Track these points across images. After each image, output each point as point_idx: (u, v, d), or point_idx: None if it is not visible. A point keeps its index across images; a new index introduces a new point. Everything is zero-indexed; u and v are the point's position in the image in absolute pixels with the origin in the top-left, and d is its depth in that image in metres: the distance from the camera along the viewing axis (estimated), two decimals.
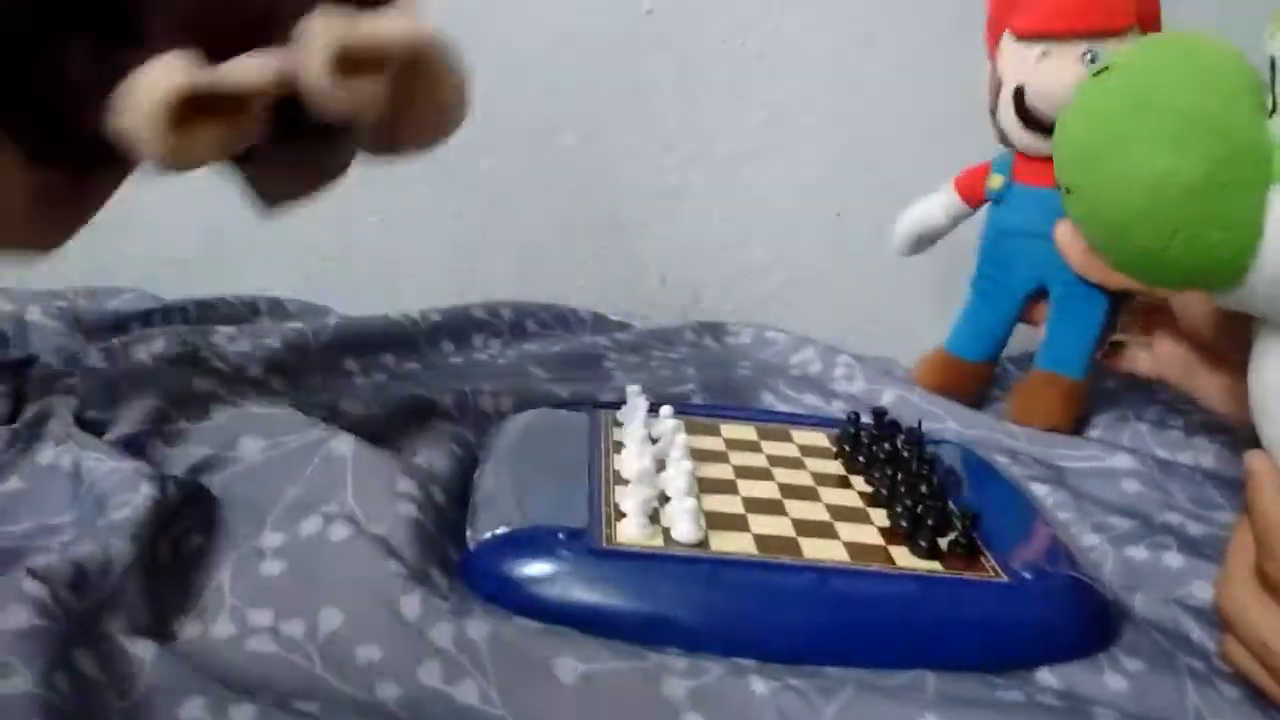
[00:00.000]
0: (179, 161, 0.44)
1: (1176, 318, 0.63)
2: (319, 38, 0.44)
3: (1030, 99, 0.72)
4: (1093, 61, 0.70)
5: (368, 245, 0.99)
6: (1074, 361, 0.75)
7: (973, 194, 0.79)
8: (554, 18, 0.96)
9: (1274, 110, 0.40)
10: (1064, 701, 0.47)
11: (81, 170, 0.48)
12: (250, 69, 0.43)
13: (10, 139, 0.45)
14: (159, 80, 0.42)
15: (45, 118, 0.45)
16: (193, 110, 0.42)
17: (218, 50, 0.44)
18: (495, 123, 0.97)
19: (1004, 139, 0.77)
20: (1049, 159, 0.70)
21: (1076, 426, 0.76)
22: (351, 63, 0.44)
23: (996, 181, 0.77)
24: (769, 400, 0.77)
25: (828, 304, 1.05)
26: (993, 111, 0.76)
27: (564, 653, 0.45)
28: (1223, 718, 0.47)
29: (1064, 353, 0.75)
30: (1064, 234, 0.69)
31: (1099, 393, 0.81)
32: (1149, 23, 0.72)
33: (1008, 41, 0.73)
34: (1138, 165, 0.41)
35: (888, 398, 0.77)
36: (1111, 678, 0.49)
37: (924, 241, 0.82)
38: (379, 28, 0.45)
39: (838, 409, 0.75)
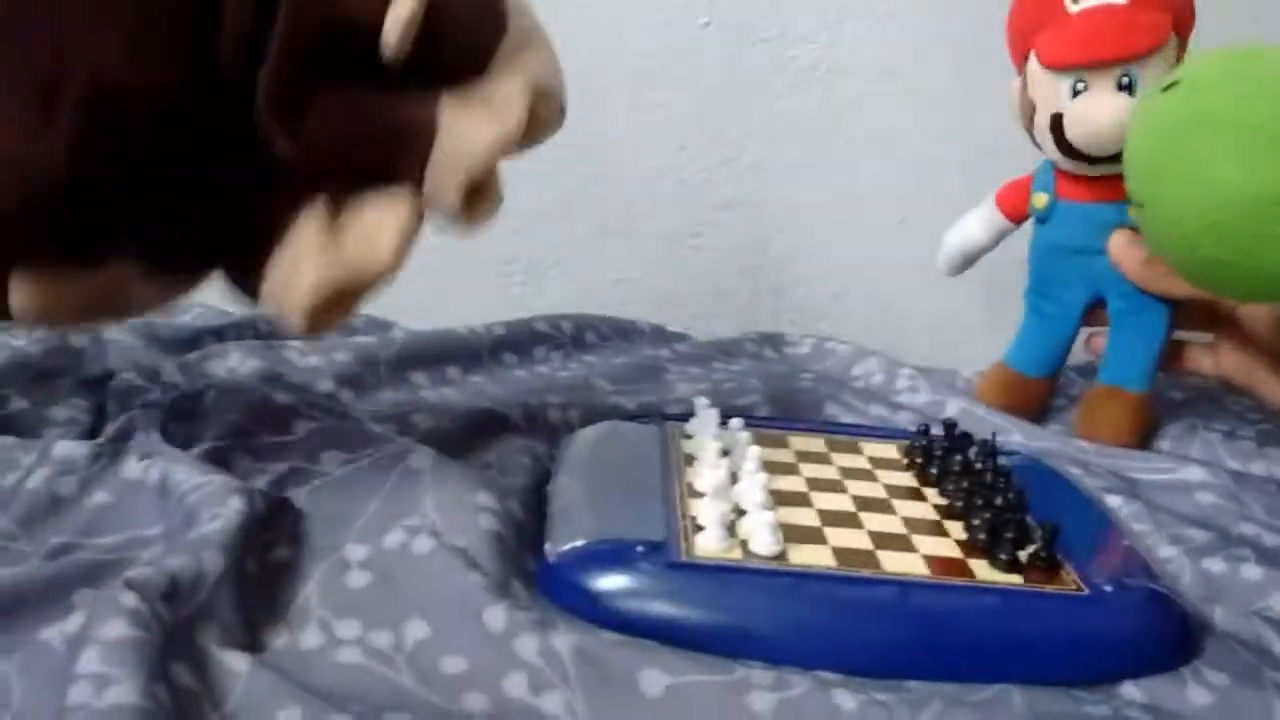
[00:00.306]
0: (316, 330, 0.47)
1: (1239, 321, 0.63)
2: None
3: (1069, 132, 0.70)
4: (1129, 85, 0.68)
5: (424, 260, 1.00)
6: (1136, 375, 0.74)
7: (1015, 210, 0.78)
8: (609, 27, 0.96)
9: None
10: (1150, 715, 0.46)
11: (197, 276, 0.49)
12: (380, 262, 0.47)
13: (140, 261, 0.47)
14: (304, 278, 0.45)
15: (179, 249, 0.47)
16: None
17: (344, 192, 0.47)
18: (556, 136, 0.98)
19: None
20: (1093, 177, 0.70)
21: (1145, 439, 0.75)
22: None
23: (1041, 200, 0.76)
24: (833, 411, 0.77)
25: (887, 313, 1.05)
26: (1028, 129, 0.75)
27: (648, 665, 0.45)
28: None
29: (1126, 366, 0.74)
30: (1118, 247, 0.69)
31: (1167, 403, 0.81)
32: (1184, 27, 0.69)
33: (1036, 65, 0.71)
34: (1207, 179, 0.41)
35: (952, 410, 0.76)
36: (1196, 691, 0.48)
37: (969, 259, 0.82)
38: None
39: (904, 420, 0.75)
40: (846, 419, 0.76)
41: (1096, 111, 0.68)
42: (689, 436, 0.64)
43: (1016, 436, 0.73)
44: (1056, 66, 0.70)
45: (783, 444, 0.65)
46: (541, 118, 0.50)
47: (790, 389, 0.79)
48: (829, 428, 0.70)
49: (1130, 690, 0.49)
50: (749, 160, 1.00)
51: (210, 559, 0.47)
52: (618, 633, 0.47)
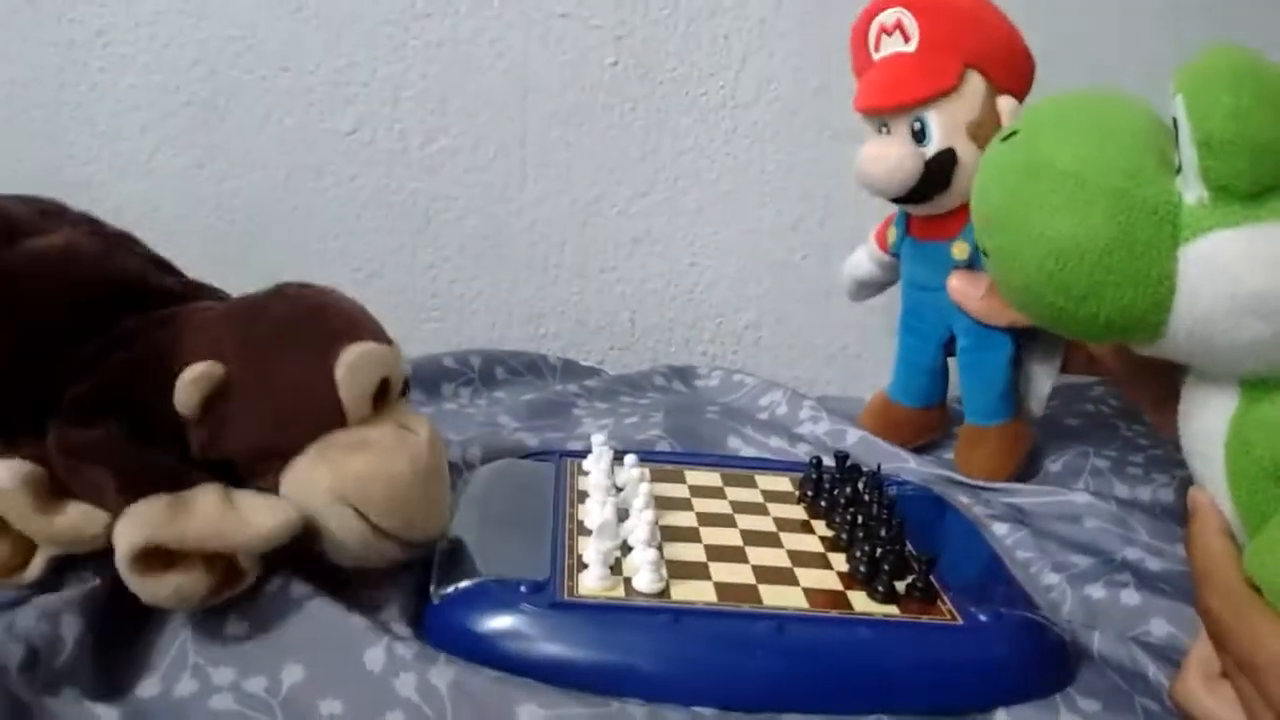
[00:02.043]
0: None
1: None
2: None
3: (858, 171, 0.72)
4: (921, 130, 0.70)
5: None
6: (992, 409, 0.74)
7: (883, 240, 0.80)
8: (521, 70, 0.97)
9: (1180, 168, 0.41)
10: None
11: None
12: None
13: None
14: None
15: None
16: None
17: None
18: (464, 175, 0.99)
19: None
20: (932, 215, 0.73)
21: (1021, 466, 0.76)
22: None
23: (893, 235, 0.78)
24: (735, 444, 0.78)
25: (796, 345, 1.06)
26: None
27: (526, 700, 0.46)
28: None
29: (980, 402, 0.75)
30: (956, 287, 0.71)
31: (1061, 430, 0.83)
32: (993, 66, 0.70)
33: None
34: (1041, 231, 0.42)
35: (851, 439, 0.78)
36: (1068, 718, 0.50)
37: (864, 288, 0.84)
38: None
39: (803, 452, 0.76)
40: (747, 451, 0.77)
41: (869, 154, 0.72)
42: (585, 473, 0.64)
43: (912, 464, 0.75)
44: (856, 110, 0.73)
45: (679, 479, 0.66)
46: (341, 520, 0.51)
47: (694, 423, 0.80)
48: (726, 461, 0.71)
49: (1002, 718, 0.50)
50: (660, 195, 1.01)
51: (69, 623, 0.47)
52: (500, 671, 0.48)
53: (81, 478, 0.51)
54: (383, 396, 0.54)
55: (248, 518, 0.49)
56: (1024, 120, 0.45)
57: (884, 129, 0.72)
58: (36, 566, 0.51)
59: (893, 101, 0.70)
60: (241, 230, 0.98)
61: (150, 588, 0.47)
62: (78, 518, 0.50)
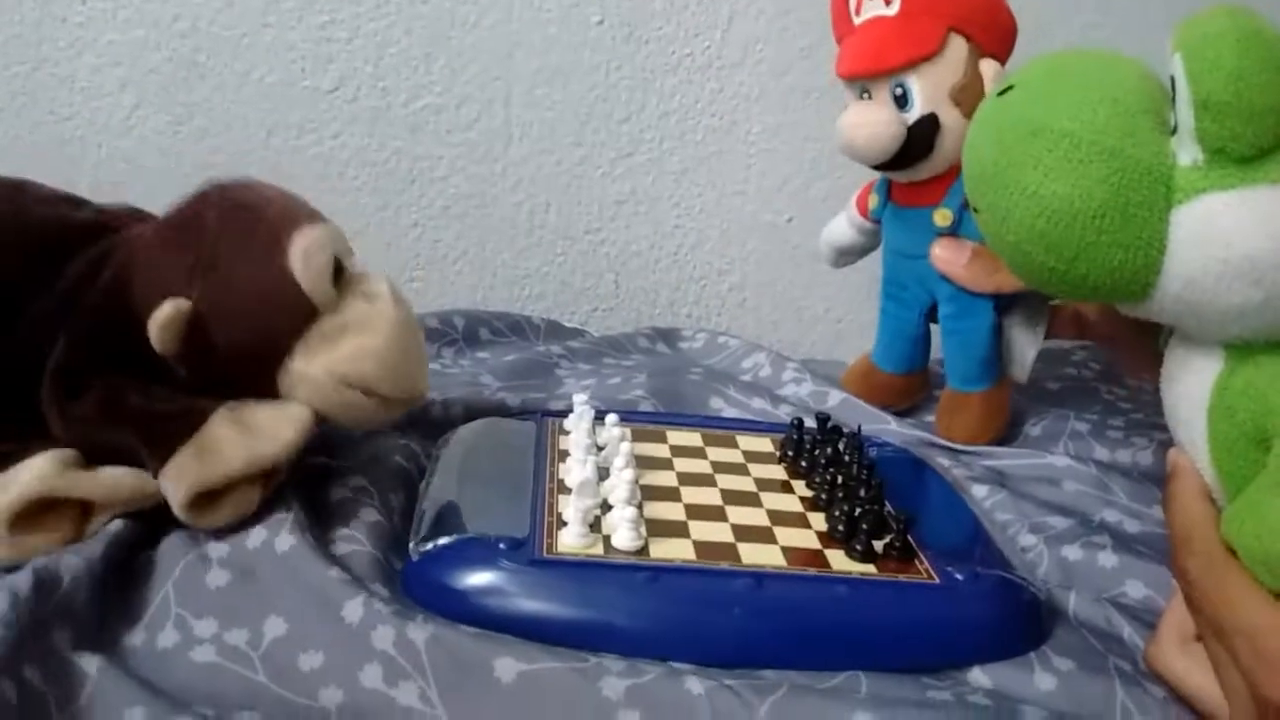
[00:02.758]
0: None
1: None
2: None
3: (839, 138, 0.71)
4: (903, 95, 0.69)
5: None
6: (974, 375, 0.74)
7: (864, 207, 0.79)
8: (506, 28, 0.96)
9: (1175, 129, 0.41)
10: (993, 700, 0.48)
11: None
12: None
13: None
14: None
15: None
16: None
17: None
18: (448, 134, 0.98)
19: None
20: (915, 182, 0.72)
21: (1000, 433, 0.76)
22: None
23: (874, 202, 0.77)
24: (718, 405, 0.78)
25: (781, 307, 1.06)
26: None
27: (503, 654, 0.46)
28: (1150, 716, 0.48)
29: (962, 368, 0.74)
30: (940, 254, 0.71)
31: (1041, 394, 0.83)
32: (977, 30, 0.69)
33: None
34: (1035, 190, 0.42)
35: (834, 401, 0.78)
36: (1042, 677, 0.50)
37: (844, 255, 0.83)
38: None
39: (785, 413, 0.76)
40: (730, 413, 0.77)
41: (850, 119, 0.70)
42: (567, 433, 0.64)
43: (893, 425, 0.75)
44: (838, 75, 0.72)
45: (660, 439, 0.66)
46: (348, 402, 0.55)
47: (676, 384, 0.80)
48: (707, 421, 0.71)
49: (978, 676, 0.50)
50: (645, 156, 1.01)
51: (67, 561, 0.47)
52: (479, 628, 0.48)
53: (106, 444, 0.52)
54: (339, 274, 0.56)
55: (270, 434, 0.52)
56: (1019, 77, 0.45)
57: (865, 94, 0.71)
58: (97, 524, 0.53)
59: (874, 67, 0.69)
60: None
61: (210, 521, 0.51)
62: (132, 477, 0.52)
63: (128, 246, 0.56)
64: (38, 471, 0.50)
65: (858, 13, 0.71)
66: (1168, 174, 0.41)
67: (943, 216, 0.71)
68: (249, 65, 0.94)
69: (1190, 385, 0.45)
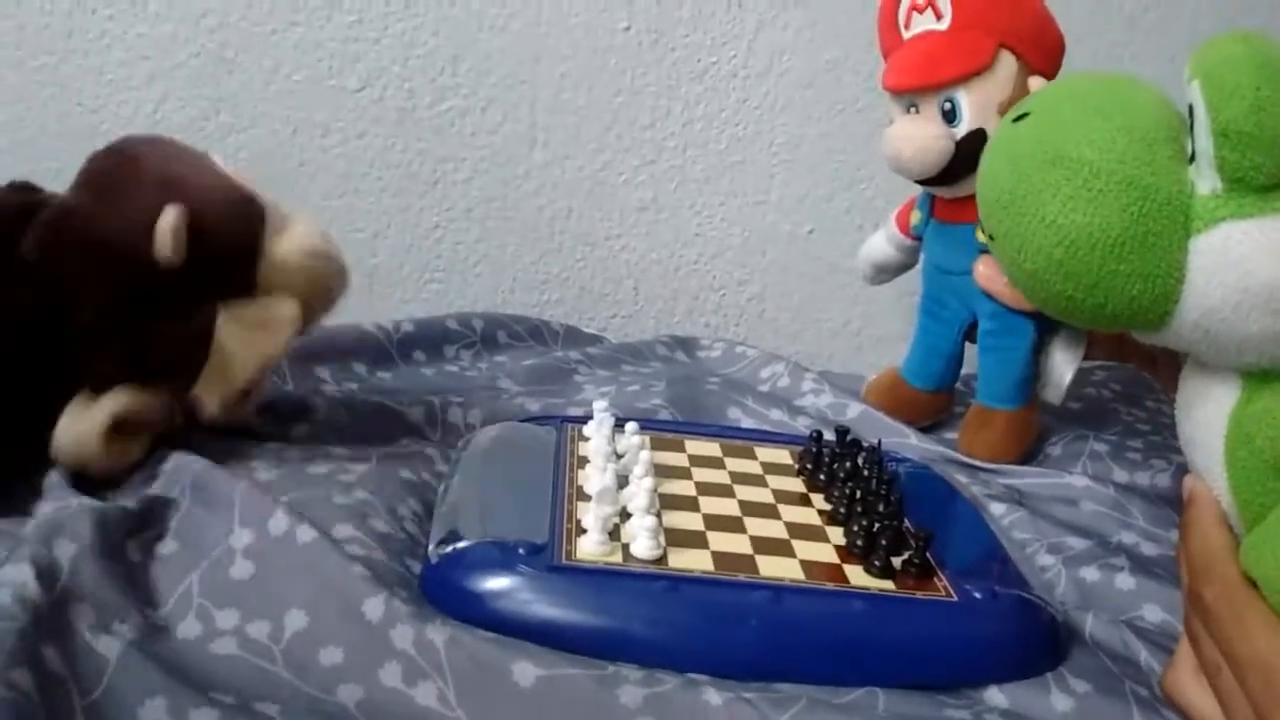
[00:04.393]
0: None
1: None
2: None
3: (886, 150, 0.71)
4: (951, 110, 0.69)
5: (347, 257, 1.00)
6: (1008, 393, 0.74)
7: (905, 224, 0.79)
8: (531, 32, 0.97)
9: (1193, 157, 0.40)
10: None
11: None
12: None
13: None
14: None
15: None
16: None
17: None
18: (472, 137, 0.98)
19: None
20: (960, 198, 0.72)
21: (1025, 453, 0.76)
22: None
23: (917, 218, 0.77)
24: (736, 415, 0.78)
25: (800, 318, 1.06)
26: None
27: (522, 658, 0.46)
28: None
29: (997, 386, 0.74)
30: (983, 271, 0.71)
31: (1061, 413, 0.83)
32: (1024, 45, 0.69)
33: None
34: (1053, 220, 0.42)
35: (852, 414, 0.78)
36: (1058, 698, 0.50)
37: (882, 272, 0.83)
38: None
39: (803, 425, 0.76)
40: (747, 423, 0.77)
41: (899, 133, 0.70)
42: (586, 439, 0.64)
43: (912, 440, 0.75)
44: (887, 90, 0.72)
45: (678, 448, 0.66)
46: (318, 271, 0.61)
47: (694, 393, 0.80)
48: (726, 432, 0.71)
49: (994, 695, 0.50)
50: (667, 164, 1.01)
51: (62, 547, 0.47)
52: (496, 633, 0.48)
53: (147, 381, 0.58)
54: None
55: (271, 330, 0.59)
56: (1035, 103, 0.45)
57: (913, 108, 0.71)
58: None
59: (925, 80, 0.69)
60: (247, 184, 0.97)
61: (234, 415, 0.61)
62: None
63: (67, 207, 0.58)
64: (120, 396, 0.56)
65: (907, 26, 0.71)
66: (1186, 203, 0.40)
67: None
68: (276, 62, 0.95)
69: (1207, 413, 0.45)
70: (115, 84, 0.94)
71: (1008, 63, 0.69)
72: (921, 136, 0.69)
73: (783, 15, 0.98)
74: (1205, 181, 0.40)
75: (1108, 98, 0.43)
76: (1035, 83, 0.69)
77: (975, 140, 0.69)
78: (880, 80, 0.72)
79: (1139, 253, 0.41)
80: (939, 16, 0.69)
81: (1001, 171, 0.44)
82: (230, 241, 0.58)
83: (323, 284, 0.62)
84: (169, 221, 0.54)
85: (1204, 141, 0.39)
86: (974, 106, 0.69)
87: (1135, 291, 0.41)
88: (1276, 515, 0.42)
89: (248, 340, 0.58)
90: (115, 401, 0.56)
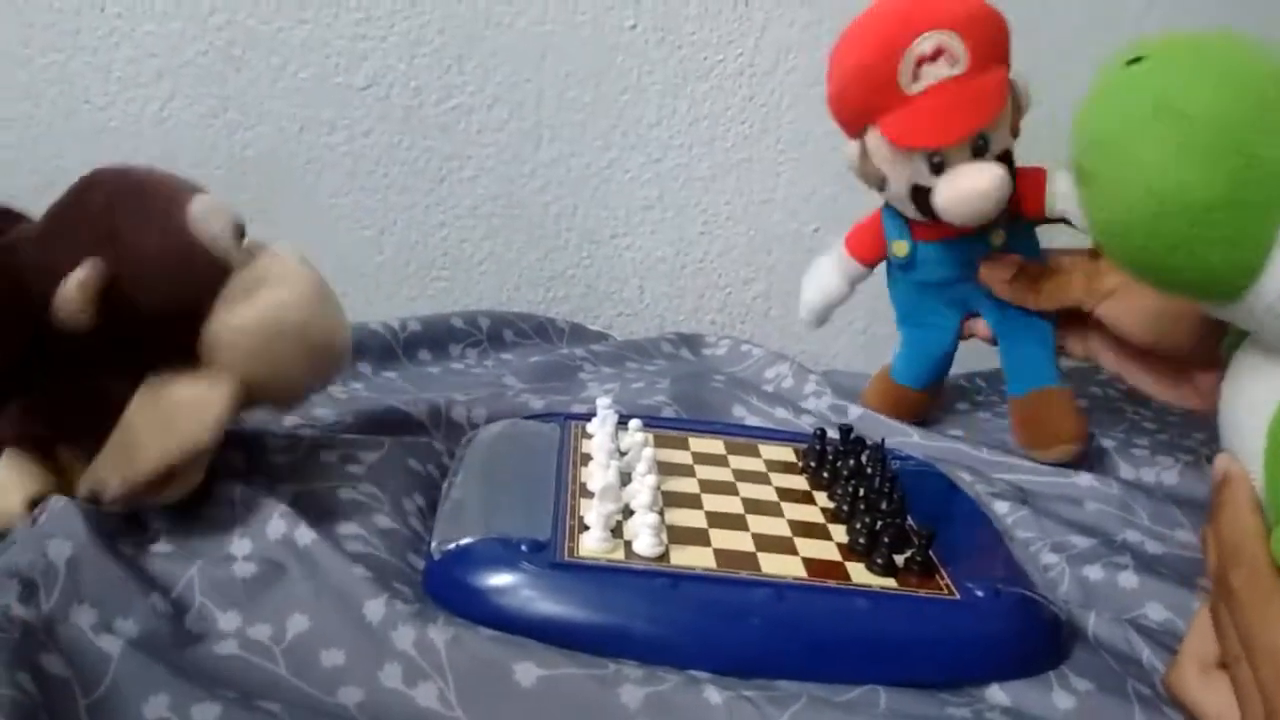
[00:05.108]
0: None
1: (1107, 325, 0.67)
2: None
3: (946, 210, 0.67)
4: (984, 145, 0.66)
5: (353, 255, 1.00)
6: (1049, 373, 0.73)
7: (869, 254, 0.77)
8: (537, 30, 0.97)
9: None
10: (1010, 718, 0.48)
11: None
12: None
13: None
14: None
15: None
16: None
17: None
18: (478, 135, 0.98)
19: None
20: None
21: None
22: None
23: (902, 249, 0.74)
24: (740, 413, 0.78)
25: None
26: (875, 188, 0.73)
27: (523, 658, 0.46)
28: None
29: (1036, 369, 0.73)
30: (987, 269, 0.72)
31: None
32: (1007, 53, 0.68)
33: (880, 142, 0.68)
34: (1152, 170, 0.40)
35: (855, 413, 0.78)
36: (1060, 696, 0.50)
37: (831, 310, 0.80)
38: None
39: (807, 424, 0.76)
40: (752, 421, 0.77)
41: (975, 188, 0.66)
42: (590, 436, 0.64)
43: (916, 439, 0.75)
44: (911, 147, 0.67)
45: (682, 445, 0.66)
46: (278, 355, 0.53)
47: (699, 390, 0.80)
48: (730, 429, 0.71)
49: (996, 693, 0.50)
50: (673, 162, 1.01)
51: (56, 546, 0.47)
52: (497, 630, 0.48)
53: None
54: (239, 235, 0.55)
55: (193, 419, 0.51)
56: (1153, 49, 0.41)
57: (937, 160, 0.67)
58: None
59: (971, 129, 0.66)
60: (254, 182, 0.98)
61: (159, 500, 0.52)
62: None
63: (13, 245, 0.53)
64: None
65: (916, 79, 0.66)
66: None
67: (997, 235, 0.72)
68: (284, 60, 0.95)
69: (1256, 396, 0.43)
70: (123, 81, 0.94)
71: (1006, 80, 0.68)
72: (987, 187, 0.65)
73: (789, 13, 0.98)
74: None
75: (1227, 55, 0.40)
76: (1018, 82, 0.68)
77: (1008, 163, 0.68)
78: (894, 140, 0.67)
79: (1230, 219, 0.39)
80: (955, 62, 0.65)
81: (1105, 113, 0.42)
82: (160, 307, 0.52)
83: (282, 372, 0.54)
84: (75, 281, 0.49)
85: None
86: (998, 133, 0.67)
87: (1216, 260, 0.40)
88: None
89: (161, 423, 0.51)
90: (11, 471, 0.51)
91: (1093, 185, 0.43)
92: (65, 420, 0.52)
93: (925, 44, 0.65)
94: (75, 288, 0.49)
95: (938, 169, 0.67)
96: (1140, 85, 0.41)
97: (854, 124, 0.70)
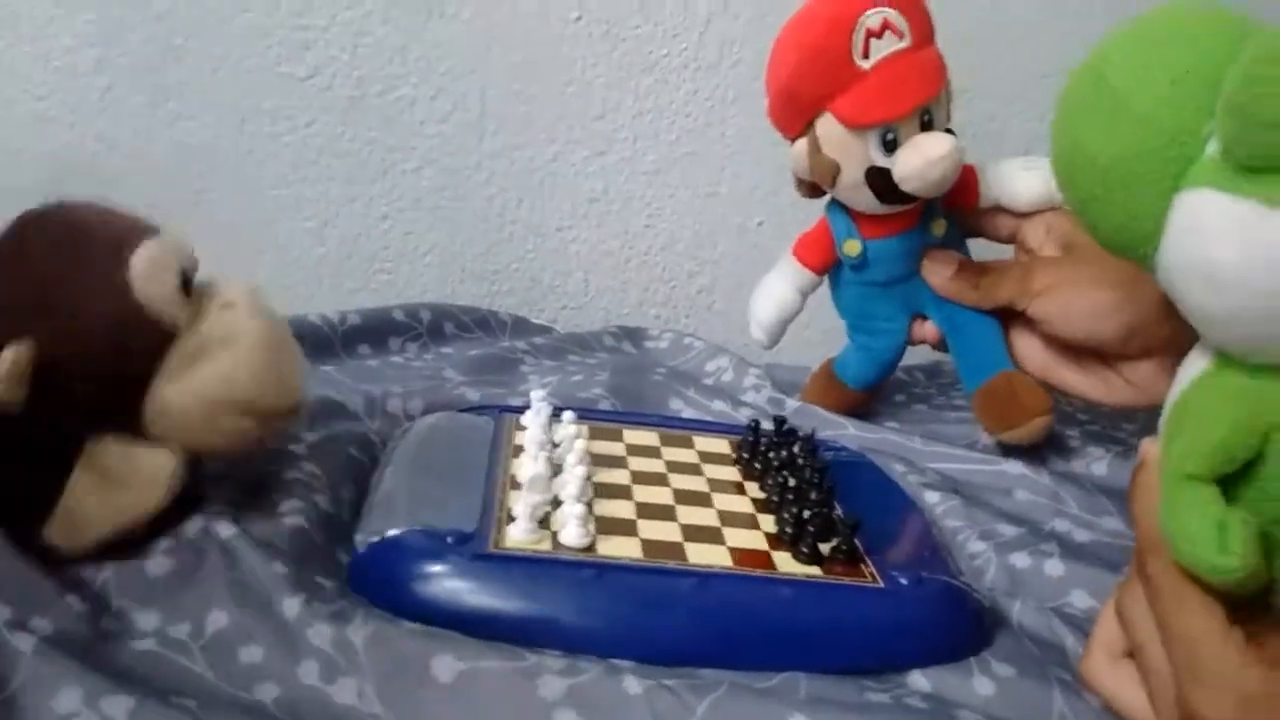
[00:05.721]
0: None
1: (1034, 320, 0.67)
2: None
3: (901, 176, 0.68)
4: (929, 120, 0.68)
5: (295, 247, 1.00)
6: (1003, 357, 0.73)
7: (819, 262, 0.77)
8: (482, 21, 0.96)
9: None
10: (930, 704, 0.48)
11: None
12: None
13: None
14: None
15: None
16: None
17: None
18: (421, 126, 0.98)
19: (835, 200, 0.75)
20: (894, 211, 0.72)
21: (976, 436, 0.77)
22: None
23: (854, 248, 0.74)
24: (678, 406, 0.78)
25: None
26: (825, 188, 0.73)
27: (442, 652, 0.46)
28: None
29: (989, 356, 0.73)
30: (928, 266, 0.73)
31: None
32: (933, 30, 0.70)
33: (833, 128, 0.69)
34: (1069, 126, 0.43)
35: (792, 405, 0.78)
36: (980, 682, 0.50)
37: (785, 325, 0.80)
38: None
39: (745, 416, 0.76)
40: (689, 414, 0.77)
41: (935, 149, 0.67)
42: (524, 429, 0.64)
43: (850, 430, 0.75)
44: (866, 124, 0.68)
45: (616, 437, 0.66)
46: (225, 428, 0.51)
47: (638, 383, 0.80)
48: (666, 421, 0.72)
49: (917, 679, 0.51)
50: (618, 155, 1.01)
51: None
52: (422, 623, 0.48)
53: None
54: (187, 288, 0.52)
55: (136, 488, 0.49)
56: (1137, 21, 0.44)
57: (890, 136, 0.68)
58: None
59: (929, 93, 0.67)
60: (194, 172, 0.97)
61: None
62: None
63: None
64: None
65: (866, 55, 0.67)
66: (1191, 156, 0.40)
67: (939, 226, 0.73)
68: (225, 49, 0.94)
69: (1181, 377, 0.45)
70: (62, 71, 0.93)
71: None
72: (948, 150, 0.67)
73: (733, 7, 0.98)
74: (1213, 143, 0.40)
75: (1178, 37, 0.42)
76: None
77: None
78: (850, 119, 0.68)
79: (1124, 187, 0.41)
80: (900, 36, 0.67)
81: (1072, 78, 0.45)
82: (97, 378, 0.49)
83: (232, 440, 0.52)
84: (4, 362, 0.47)
85: (1220, 102, 0.39)
86: (940, 110, 0.69)
87: (1118, 222, 0.42)
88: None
89: (103, 496, 0.49)
90: None
91: (1051, 143, 0.45)
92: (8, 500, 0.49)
93: (873, 19, 0.67)
94: (5, 370, 0.47)
95: (891, 146, 0.68)
96: (1095, 53, 0.44)
97: (802, 117, 0.71)
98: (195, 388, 0.50)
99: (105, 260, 0.50)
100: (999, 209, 0.73)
